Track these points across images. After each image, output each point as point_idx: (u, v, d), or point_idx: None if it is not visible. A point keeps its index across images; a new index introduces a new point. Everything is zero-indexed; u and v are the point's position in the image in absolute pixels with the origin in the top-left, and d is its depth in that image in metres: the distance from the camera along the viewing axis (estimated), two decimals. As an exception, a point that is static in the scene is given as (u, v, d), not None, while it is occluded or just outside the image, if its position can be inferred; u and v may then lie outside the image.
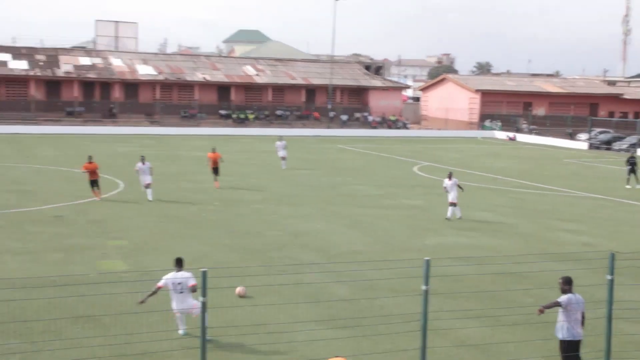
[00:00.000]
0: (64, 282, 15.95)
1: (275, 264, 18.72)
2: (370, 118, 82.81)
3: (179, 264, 13.23)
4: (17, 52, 76.68)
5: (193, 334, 12.85)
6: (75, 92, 73.99)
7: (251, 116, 78.30)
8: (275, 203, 29.25)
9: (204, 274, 9.81)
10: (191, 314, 13.07)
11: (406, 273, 17.01)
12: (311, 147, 59.09)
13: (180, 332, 13.31)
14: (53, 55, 77.70)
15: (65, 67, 75.46)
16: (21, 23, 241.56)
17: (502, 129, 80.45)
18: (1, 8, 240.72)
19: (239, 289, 15.46)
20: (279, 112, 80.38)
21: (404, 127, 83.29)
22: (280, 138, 42.84)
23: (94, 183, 27.74)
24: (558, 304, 11.14)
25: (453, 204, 26.13)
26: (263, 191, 32.53)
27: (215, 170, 32.70)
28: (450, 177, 26.45)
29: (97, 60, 78.80)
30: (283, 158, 41.52)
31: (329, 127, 78.22)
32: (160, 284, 12.97)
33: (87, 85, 75.10)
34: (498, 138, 77.37)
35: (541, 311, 11.13)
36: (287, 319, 14.10)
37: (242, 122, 77.01)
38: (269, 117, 79.17)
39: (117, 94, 75.70)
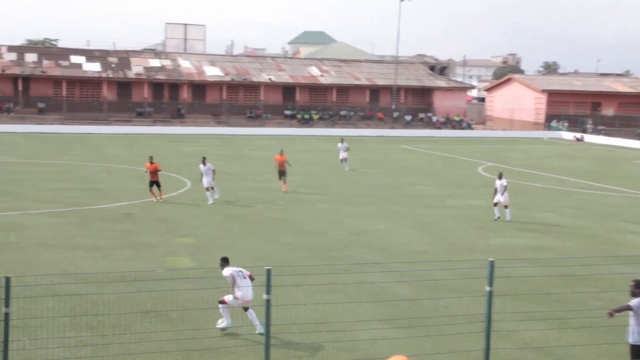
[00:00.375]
0: (133, 278, 16.35)
1: (338, 262, 18.83)
2: (434, 118, 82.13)
3: (227, 261, 13.66)
4: (91, 55, 79.12)
5: (244, 332, 13.06)
6: (145, 93, 75.87)
7: (315, 116, 78.74)
8: (339, 202, 29.37)
9: (269, 272, 9.98)
10: (247, 304, 13.25)
11: (470, 274, 16.89)
12: (374, 147, 59.03)
13: (225, 324, 13.40)
14: (124, 58, 79.86)
15: (136, 69, 77.43)
16: (95, 27, 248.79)
17: (569, 129, 78.69)
18: (77, 13, 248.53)
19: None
20: (343, 113, 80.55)
21: (469, 127, 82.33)
22: (342, 140, 42.85)
23: (153, 183, 27.72)
24: (629, 308, 10.92)
25: (502, 205, 25.78)
26: (326, 191, 32.71)
27: (282, 173, 31.91)
28: (500, 177, 26.09)
29: (167, 62, 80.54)
30: (344, 160, 41.47)
31: (392, 128, 77.98)
32: (227, 273, 13.29)
33: (157, 87, 76.89)
34: (564, 139, 75.72)
35: (611, 314, 10.92)
36: (350, 318, 14.19)
37: (306, 122, 77.52)
38: (333, 118, 79.43)
39: (185, 94, 77.26)
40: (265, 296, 10.06)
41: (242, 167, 41.87)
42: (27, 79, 72.61)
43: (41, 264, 17.84)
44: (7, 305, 9.22)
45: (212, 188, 28.17)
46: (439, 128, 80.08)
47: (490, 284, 10.36)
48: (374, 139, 68.16)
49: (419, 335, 13.38)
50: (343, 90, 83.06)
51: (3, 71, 71.92)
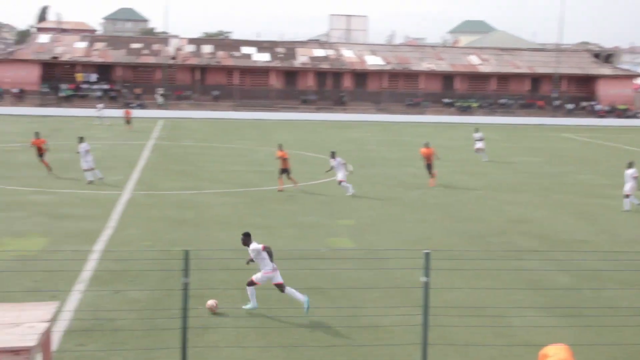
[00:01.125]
0: (298, 256, 17.24)
1: (495, 249, 18.80)
2: (598, 107, 78.23)
3: (250, 236, 13.54)
4: (261, 46, 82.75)
5: (401, 312, 13.44)
6: (310, 82, 78.34)
7: (474, 105, 77.65)
8: (496, 189, 29.06)
9: (427, 255, 10.31)
10: (271, 280, 13.40)
11: (635, 265, 16.32)
12: (534, 135, 57.38)
13: (251, 306, 13.46)
14: (291, 48, 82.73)
15: (302, 58, 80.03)
16: (264, 19, 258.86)
17: None
18: (248, 7, 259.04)
19: (209, 303, 13.52)
20: (502, 101, 78.80)
21: (635, 116, 77.62)
22: (477, 130, 41.53)
23: (284, 171, 27.27)
24: None
25: (626, 196, 24.53)
26: (484, 177, 32.42)
27: (429, 167, 29.81)
28: (630, 166, 24.65)
29: (330, 52, 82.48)
30: (480, 150, 39.57)
31: (553, 116, 75.19)
32: (257, 247, 13.30)
33: (321, 75, 79.08)
34: None
35: None
36: (506, 304, 14.21)
37: (465, 110, 76.70)
38: (493, 106, 77.90)
39: (347, 83, 78.92)
40: (423, 279, 10.39)
41: (401, 153, 42.26)
42: (203, 69, 77.36)
43: (215, 239, 19.21)
44: (186, 275, 10.20)
45: (343, 182, 26.81)
46: (602, 117, 76.26)
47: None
48: (534, 127, 66.15)
49: (579, 325, 13.15)
50: (503, 78, 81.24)
51: (183, 62, 77.03)
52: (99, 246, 18.03)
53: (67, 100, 71.58)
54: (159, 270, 15.11)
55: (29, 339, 7.08)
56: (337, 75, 79.38)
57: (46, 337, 7.65)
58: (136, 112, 62.21)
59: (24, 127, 51.73)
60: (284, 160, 27.28)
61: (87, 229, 19.90)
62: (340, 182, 26.72)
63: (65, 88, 73.45)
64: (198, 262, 13.89)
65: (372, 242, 19.44)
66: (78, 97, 72.19)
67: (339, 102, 76.75)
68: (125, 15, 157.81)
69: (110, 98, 72.43)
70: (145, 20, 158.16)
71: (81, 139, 28.75)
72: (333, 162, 26.94)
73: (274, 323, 12.82)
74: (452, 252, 17.71)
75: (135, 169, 32.40)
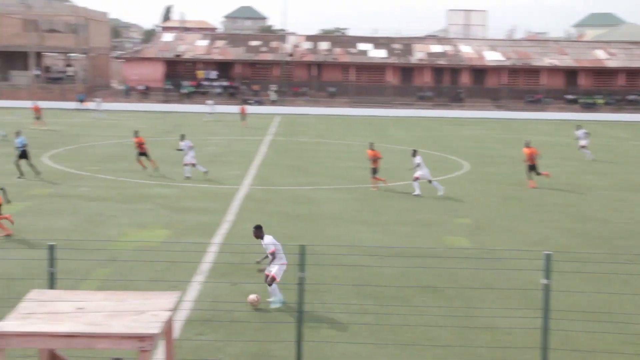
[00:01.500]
0: (412, 254, 17.01)
1: (621, 252, 17.88)
2: None
3: (262, 229, 13.49)
4: (377, 42, 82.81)
5: (521, 314, 12.98)
6: (427, 78, 77.57)
7: (600, 101, 74.24)
8: (623, 189, 27.67)
9: (548, 256, 9.92)
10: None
11: None
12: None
13: (279, 300, 13.27)
14: (407, 44, 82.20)
15: (418, 54, 79.38)
16: (381, 16, 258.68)
17: None
18: (365, 4, 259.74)
19: (251, 298, 13.35)
20: (631, 97, 74.95)
21: None
22: (579, 127, 39.35)
23: (375, 170, 26.76)
24: None
25: None
26: (610, 177, 30.95)
27: (532, 168, 27.96)
28: None
29: (448, 48, 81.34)
30: (583, 147, 37.45)
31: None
32: (272, 242, 13.27)
33: (438, 71, 78.17)
34: None
35: None
36: (634, 310, 13.49)
37: (589, 107, 73.44)
38: (620, 102, 74.25)
39: (465, 79, 77.61)
40: (544, 281, 10.01)
41: (519, 150, 40.95)
42: (320, 65, 78.15)
43: (328, 235, 19.29)
44: (302, 270, 10.29)
45: (431, 181, 26.12)
46: None
47: None
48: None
49: None
50: (632, 73, 77.29)
51: (300, 59, 78.21)
52: (218, 239, 18.50)
53: (188, 97, 74.15)
54: (274, 263, 15.30)
55: (153, 327, 7.29)
56: (455, 71, 78.18)
57: (169, 325, 7.87)
58: (252, 109, 63.71)
59: (149, 122, 54.03)
60: (375, 159, 26.88)
61: (206, 222, 20.48)
62: (415, 179, 25.88)
63: (186, 85, 76.14)
64: (312, 257, 13.95)
65: (489, 241, 18.95)
66: (199, 93, 74.62)
67: (456, 99, 75.53)
68: (245, 13, 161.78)
69: (230, 95, 74.47)
70: (263, 18, 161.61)
71: (182, 137, 29.61)
72: (418, 160, 26.14)
73: (387, 320, 12.70)
74: (574, 254, 16.97)
75: (252, 164, 33.09)
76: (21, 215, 20.54)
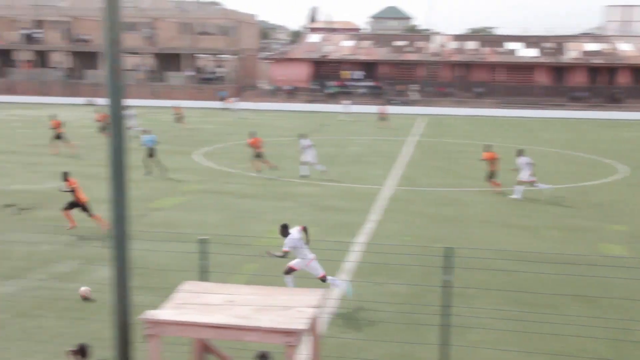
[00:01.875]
0: (564, 260, 16.31)
1: None
2: None
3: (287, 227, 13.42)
4: (527, 41, 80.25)
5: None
6: (580, 78, 74.16)
7: None
8: None
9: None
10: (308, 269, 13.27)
11: None
12: None
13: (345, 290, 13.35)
14: (559, 43, 78.99)
15: (572, 53, 76.06)
16: (531, 13, 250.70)
17: None
18: (515, 1, 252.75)
19: (82, 290, 13.32)
20: None
21: None
22: None
23: (492, 174, 25.86)
24: None
25: None
26: None
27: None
28: None
29: (605, 46, 77.39)
30: None
31: None
32: (286, 248, 13.03)
33: (592, 71, 74.51)
34: None
35: None
36: None
37: None
38: None
39: (623, 79, 73.53)
40: None
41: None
42: (466, 65, 76.74)
43: (475, 238, 18.83)
44: (448, 273, 10.07)
45: (532, 183, 24.75)
46: None
47: None
48: None
49: None
50: None
51: (446, 58, 77.23)
52: (361, 238, 18.53)
53: (333, 97, 75.06)
54: (419, 265, 15.13)
55: (299, 322, 7.36)
56: (612, 70, 74.19)
57: (314, 322, 7.92)
58: (395, 109, 63.56)
59: (295, 122, 55.19)
60: (492, 161, 25.79)
61: (349, 221, 20.57)
62: (519, 182, 24.66)
63: (331, 85, 77.16)
64: (458, 260, 13.65)
65: (648, 250, 17.76)
66: (343, 94, 75.37)
67: (612, 99, 71.60)
68: (391, 13, 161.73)
69: (374, 95, 74.70)
70: (409, 18, 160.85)
71: (302, 135, 29.67)
72: (525, 160, 24.84)
73: (537, 328, 12.19)
74: None
75: (395, 164, 32.93)
76: (176, 210, 21.60)
